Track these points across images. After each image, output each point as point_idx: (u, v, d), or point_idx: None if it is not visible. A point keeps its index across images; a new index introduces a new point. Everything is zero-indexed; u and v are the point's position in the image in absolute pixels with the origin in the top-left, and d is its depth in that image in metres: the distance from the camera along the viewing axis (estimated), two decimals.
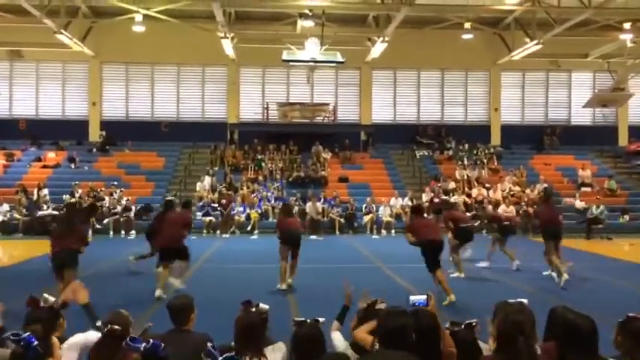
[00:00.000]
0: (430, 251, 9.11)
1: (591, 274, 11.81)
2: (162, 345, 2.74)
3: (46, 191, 20.31)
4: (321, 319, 3.52)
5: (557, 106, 27.08)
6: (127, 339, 2.79)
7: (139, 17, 20.17)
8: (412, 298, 3.74)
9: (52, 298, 3.57)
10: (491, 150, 25.27)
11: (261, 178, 22.62)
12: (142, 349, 2.70)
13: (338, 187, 22.27)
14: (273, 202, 20.76)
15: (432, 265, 9.14)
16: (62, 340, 3.47)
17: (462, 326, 3.42)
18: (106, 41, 24.11)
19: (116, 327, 3.24)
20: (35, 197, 20.11)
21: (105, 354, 3.18)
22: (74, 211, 10.79)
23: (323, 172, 23.26)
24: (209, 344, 2.77)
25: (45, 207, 19.61)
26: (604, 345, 3.01)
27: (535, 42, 21.30)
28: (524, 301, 3.34)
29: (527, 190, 22.09)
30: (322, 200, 20.77)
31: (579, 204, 21.37)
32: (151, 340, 2.75)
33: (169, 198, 13.60)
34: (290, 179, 22.64)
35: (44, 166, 23.16)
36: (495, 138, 26.38)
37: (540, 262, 13.06)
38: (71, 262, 8.43)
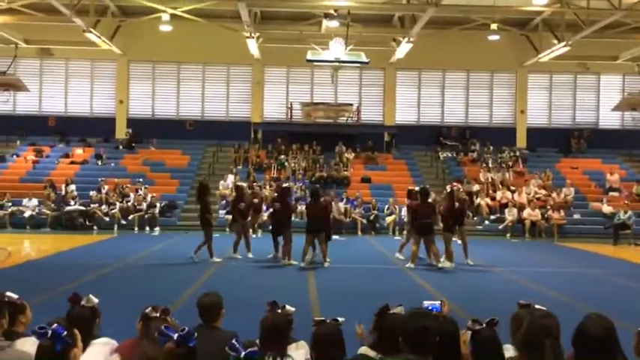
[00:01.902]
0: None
1: (618, 281, 11.60)
2: (195, 334, 2.78)
3: (73, 187, 20.67)
4: (340, 319, 3.53)
5: (585, 109, 26.63)
6: (162, 327, 2.84)
7: (166, 17, 20.42)
8: (426, 303, 3.73)
9: (95, 300, 3.65)
10: (517, 153, 24.96)
11: (283, 177, 22.70)
12: (175, 337, 2.75)
13: (360, 188, 22.24)
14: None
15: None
16: (96, 337, 3.57)
17: (484, 324, 3.39)
18: (133, 40, 24.46)
19: (166, 307, 3.42)
20: (63, 192, 20.49)
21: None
22: (203, 189, 13.34)
23: (346, 173, 23.25)
24: (234, 340, 2.80)
25: (72, 202, 19.97)
26: (627, 353, 2.95)
27: (563, 44, 20.97)
28: (543, 308, 3.30)
29: (554, 194, 21.78)
30: (344, 200, 20.76)
31: (607, 209, 21.00)
32: (186, 328, 2.79)
33: (316, 188, 15.19)
34: (313, 179, 22.67)
35: (72, 162, 23.59)
36: (521, 140, 26.05)
37: (572, 267, 12.90)
38: (201, 224, 12.77)
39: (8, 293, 3.62)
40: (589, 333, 2.85)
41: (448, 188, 13.77)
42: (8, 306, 3.56)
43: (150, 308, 3.53)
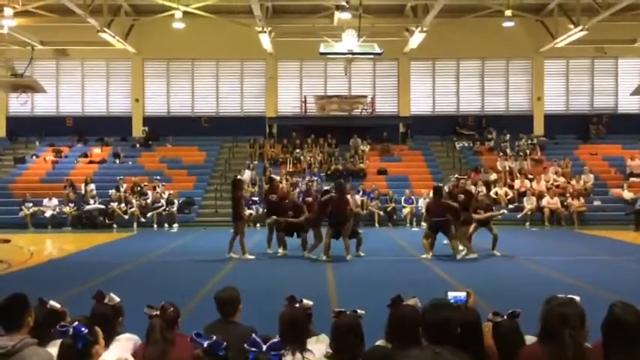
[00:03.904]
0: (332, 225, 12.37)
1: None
2: (225, 344, 2.78)
3: (92, 186, 20.90)
4: (360, 312, 3.52)
5: (603, 94, 26.22)
6: (193, 334, 2.86)
7: (178, 14, 20.48)
8: (451, 294, 3.67)
9: (117, 298, 3.69)
10: (534, 140, 24.67)
11: (299, 171, 22.70)
12: (205, 345, 2.76)
13: (377, 180, 22.18)
14: None
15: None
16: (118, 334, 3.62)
17: (505, 316, 3.36)
18: (147, 38, 24.60)
19: (170, 307, 3.42)
20: (83, 192, 20.72)
21: (158, 342, 3.30)
22: (235, 183, 13.24)
23: (361, 165, 23.19)
24: (253, 335, 2.81)
25: (92, 201, 20.20)
26: None
27: (579, 28, 20.64)
28: (577, 298, 3.23)
29: (573, 181, 21.51)
30: (361, 193, 20.72)
31: (627, 195, 20.69)
32: (214, 337, 2.80)
33: (340, 182, 14.59)
34: (328, 172, 22.66)
35: (90, 162, 23.84)
36: (539, 128, 25.74)
37: (593, 255, 12.75)
38: (233, 218, 12.60)
39: (52, 302, 3.67)
40: (623, 320, 2.81)
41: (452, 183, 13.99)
42: (51, 313, 3.61)
43: (146, 308, 3.53)
